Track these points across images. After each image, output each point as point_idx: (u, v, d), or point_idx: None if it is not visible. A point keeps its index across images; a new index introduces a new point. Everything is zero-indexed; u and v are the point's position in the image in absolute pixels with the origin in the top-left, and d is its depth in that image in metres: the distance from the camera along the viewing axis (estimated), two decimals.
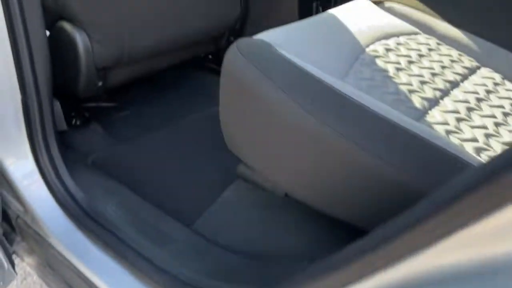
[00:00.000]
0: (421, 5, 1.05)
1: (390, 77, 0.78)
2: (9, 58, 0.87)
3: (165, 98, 1.49)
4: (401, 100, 0.73)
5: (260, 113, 0.72)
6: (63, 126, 1.12)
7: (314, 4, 1.42)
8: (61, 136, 1.12)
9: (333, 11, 0.97)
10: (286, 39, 0.81)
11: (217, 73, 1.59)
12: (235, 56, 0.75)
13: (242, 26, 1.47)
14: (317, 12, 1.44)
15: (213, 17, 1.30)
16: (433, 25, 1.00)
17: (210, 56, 1.62)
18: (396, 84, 0.76)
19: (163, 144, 1.19)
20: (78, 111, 1.24)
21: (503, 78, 0.86)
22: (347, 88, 0.70)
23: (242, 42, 0.76)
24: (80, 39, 1.03)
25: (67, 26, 1.04)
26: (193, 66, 1.57)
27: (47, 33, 1.11)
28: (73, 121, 1.22)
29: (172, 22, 1.20)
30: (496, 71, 0.88)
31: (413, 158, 0.60)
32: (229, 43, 1.51)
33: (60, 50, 1.06)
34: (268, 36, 0.80)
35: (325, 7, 1.46)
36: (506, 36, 0.98)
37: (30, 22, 0.86)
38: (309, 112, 0.65)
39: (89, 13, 1.02)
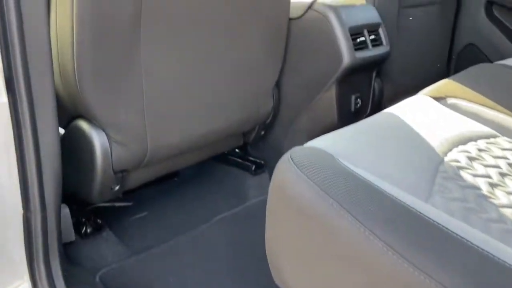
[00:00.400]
0: (489, 102, 0.92)
1: (485, 197, 0.61)
2: (12, 166, 0.73)
3: (187, 196, 1.35)
4: (510, 230, 0.55)
5: (319, 239, 0.56)
6: (71, 237, 0.96)
7: (353, 97, 1.30)
8: (67, 248, 0.95)
9: (392, 110, 0.83)
10: (347, 147, 0.66)
11: (242, 167, 1.47)
12: (288, 169, 0.59)
13: (273, 120, 1.35)
14: (356, 105, 1.32)
15: (245, 113, 1.19)
16: (508, 124, 0.85)
17: (236, 150, 1.49)
18: (496, 206, 0.59)
19: (184, 255, 1.02)
20: (89, 217, 1.09)
21: None
22: (435, 212, 0.54)
23: (297, 152, 0.62)
24: (98, 139, 0.90)
25: (84, 125, 0.91)
26: (217, 159, 1.44)
27: (62, 131, 0.99)
28: (83, 229, 1.06)
29: (201, 118, 1.08)
30: None
31: None
32: (258, 137, 1.39)
33: (75, 151, 0.93)
34: (324, 143, 0.66)
35: (364, 100, 1.35)
36: None
37: (41, 122, 0.73)
38: (386, 243, 0.48)
39: (109, 112, 0.90)
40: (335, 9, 1.19)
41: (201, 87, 1.05)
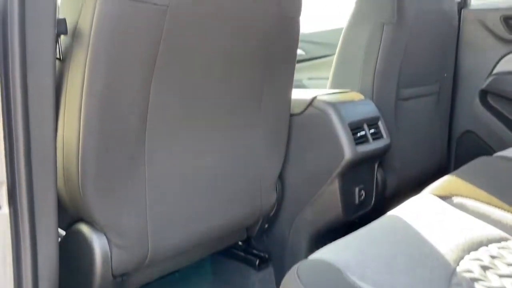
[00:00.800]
0: (496, 200, 0.91)
1: None
2: (8, 273, 0.70)
3: None
4: None
5: None
6: None
7: (357, 189, 1.30)
8: None
9: (399, 212, 0.82)
10: (354, 259, 0.64)
11: (246, 261, 1.42)
12: (293, 283, 0.57)
13: (277, 213, 1.34)
14: (360, 197, 1.31)
15: (248, 207, 1.17)
16: None
17: (239, 243, 1.46)
18: None
19: None
20: None
21: None
22: None
23: (303, 266, 0.59)
24: (98, 243, 0.88)
25: (84, 228, 0.89)
26: (219, 254, 1.40)
27: (62, 232, 0.97)
28: None
29: (204, 215, 1.06)
30: None
31: None
32: (262, 230, 1.37)
33: (73, 256, 0.90)
34: (331, 255, 0.63)
35: (367, 192, 1.34)
36: None
37: (41, 231, 0.72)
38: None
39: (111, 215, 0.88)
40: (334, 105, 1.23)
41: (204, 183, 1.05)
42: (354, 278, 0.58)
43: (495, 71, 1.83)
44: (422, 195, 0.93)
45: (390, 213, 0.82)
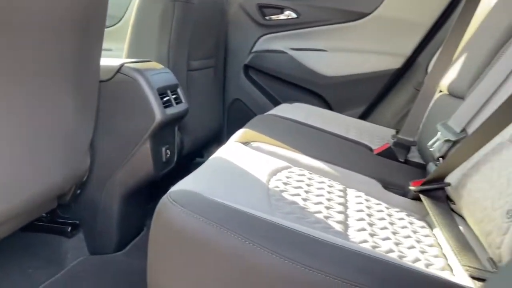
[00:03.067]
0: (278, 143, 1.23)
1: (304, 208, 0.87)
2: None
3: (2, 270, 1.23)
4: (325, 227, 0.82)
5: (211, 263, 0.69)
6: None
7: (163, 149, 1.46)
8: None
9: (220, 154, 1.04)
10: (205, 186, 0.82)
11: (55, 231, 1.41)
12: (172, 208, 0.72)
13: (88, 178, 1.38)
14: (166, 155, 1.48)
15: (61, 173, 1.17)
16: (298, 159, 1.17)
17: (44, 214, 1.43)
18: (311, 213, 0.85)
19: None
20: None
21: (366, 195, 1.06)
22: (289, 224, 0.75)
23: (175, 194, 0.74)
24: None
25: None
26: (25, 228, 1.35)
27: None
28: None
29: (18, 184, 1.03)
30: (358, 190, 1.08)
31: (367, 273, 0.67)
32: (74, 197, 1.38)
33: None
34: (189, 186, 0.80)
35: (171, 151, 1.53)
36: (353, 162, 1.22)
37: None
38: (271, 249, 0.66)
39: None
40: (142, 72, 1.35)
41: (14, 151, 1.01)
42: (213, 197, 0.76)
43: (254, 49, 2.25)
44: (230, 143, 1.17)
45: (213, 156, 1.03)
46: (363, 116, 2.14)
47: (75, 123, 1.20)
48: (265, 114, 1.66)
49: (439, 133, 1.11)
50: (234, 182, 0.88)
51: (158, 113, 1.33)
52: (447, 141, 1.06)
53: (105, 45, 2.43)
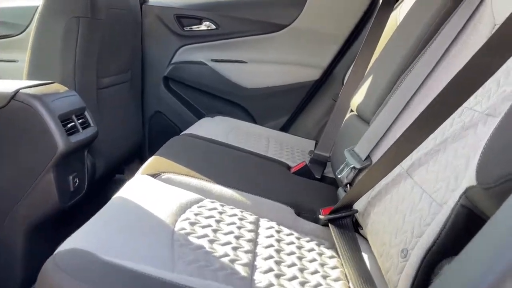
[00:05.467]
0: (191, 172, 1.19)
1: (209, 253, 0.83)
2: None
3: None
4: (230, 273, 0.79)
5: None
6: None
7: (70, 178, 1.37)
8: None
9: (122, 194, 0.98)
10: (99, 241, 0.76)
11: None
12: (55, 274, 0.66)
13: None
14: (74, 184, 1.39)
15: None
16: (210, 188, 1.13)
17: None
18: (217, 258, 0.82)
19: None
20: None
21: (278, 225, 1.05)
22: (184, 278, 0.72)
23: (61, 255, 0.68)
24: None
25: None
26: None
27: None
28: None
29: None
30: (270, 219, 1.07)
31: None
32: None
33: None
34: (80, 242, 0.74)
35: (80, 179, 1.44)
36: (268, 187, 1.20)
37: None
38: None
39: None
40: (40, 98, 1.24)
41: None
42: (105, 257, 0.71)
43: (173, 60, 2.18)
44: (137, 176, 1.11)
45: (116, 196, 0.97)
46: (285, 127, 2.15)
47: None
48: (182, 134, 1.61)
49: (346, 159, 1.13)
50: (134, 231, 0.83)
51: (61, 142, 1.24)
52: (354, 168, 1.08)
53: (9, 55, 2.27)
